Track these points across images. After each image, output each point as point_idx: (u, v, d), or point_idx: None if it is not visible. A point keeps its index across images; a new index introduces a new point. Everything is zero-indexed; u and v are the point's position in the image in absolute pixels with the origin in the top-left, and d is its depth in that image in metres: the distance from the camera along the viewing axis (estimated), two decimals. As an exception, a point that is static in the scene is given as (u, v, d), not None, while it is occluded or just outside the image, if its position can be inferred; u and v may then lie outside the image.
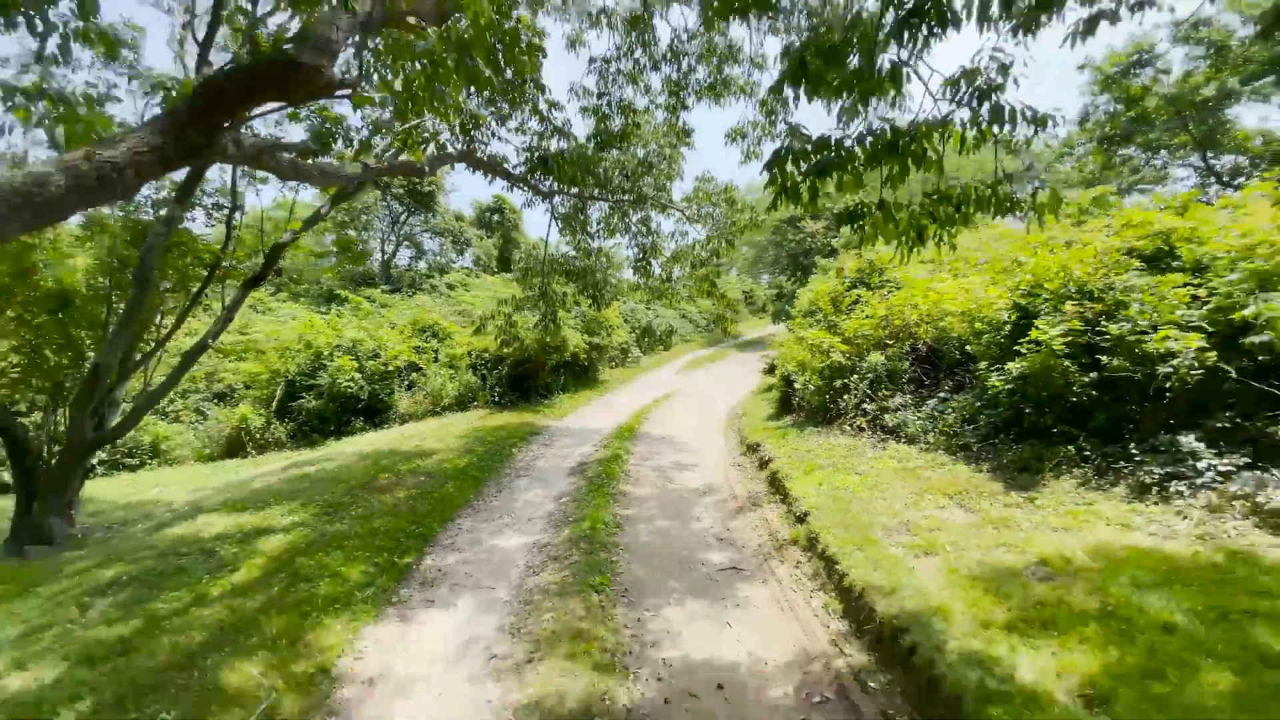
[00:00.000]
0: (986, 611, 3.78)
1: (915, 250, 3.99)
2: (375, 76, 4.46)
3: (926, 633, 3.69)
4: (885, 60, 3.52)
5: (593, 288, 12.54)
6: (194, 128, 3.31)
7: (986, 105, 3.34)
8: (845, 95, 3.71)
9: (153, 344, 8.61)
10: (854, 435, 8.89)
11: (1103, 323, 6.28)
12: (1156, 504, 5.13)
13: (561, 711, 3.54)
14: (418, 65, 3.80)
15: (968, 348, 8.21)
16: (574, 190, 9.92)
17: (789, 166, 3.75)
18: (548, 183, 9.40)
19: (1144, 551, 4.30)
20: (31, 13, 3.32)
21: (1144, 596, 3.68)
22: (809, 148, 3.72)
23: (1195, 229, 6.58)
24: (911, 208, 3.80)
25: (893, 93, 3.64)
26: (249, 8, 6.21)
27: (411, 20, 4.31)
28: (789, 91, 3.77)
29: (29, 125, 5.00)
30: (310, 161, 5.60)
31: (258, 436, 13.59)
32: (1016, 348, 6.80)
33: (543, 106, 7.46)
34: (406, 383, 15.46)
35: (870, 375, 9.38)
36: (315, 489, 8.11)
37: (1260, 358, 5.53)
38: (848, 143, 3.67)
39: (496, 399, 15.77)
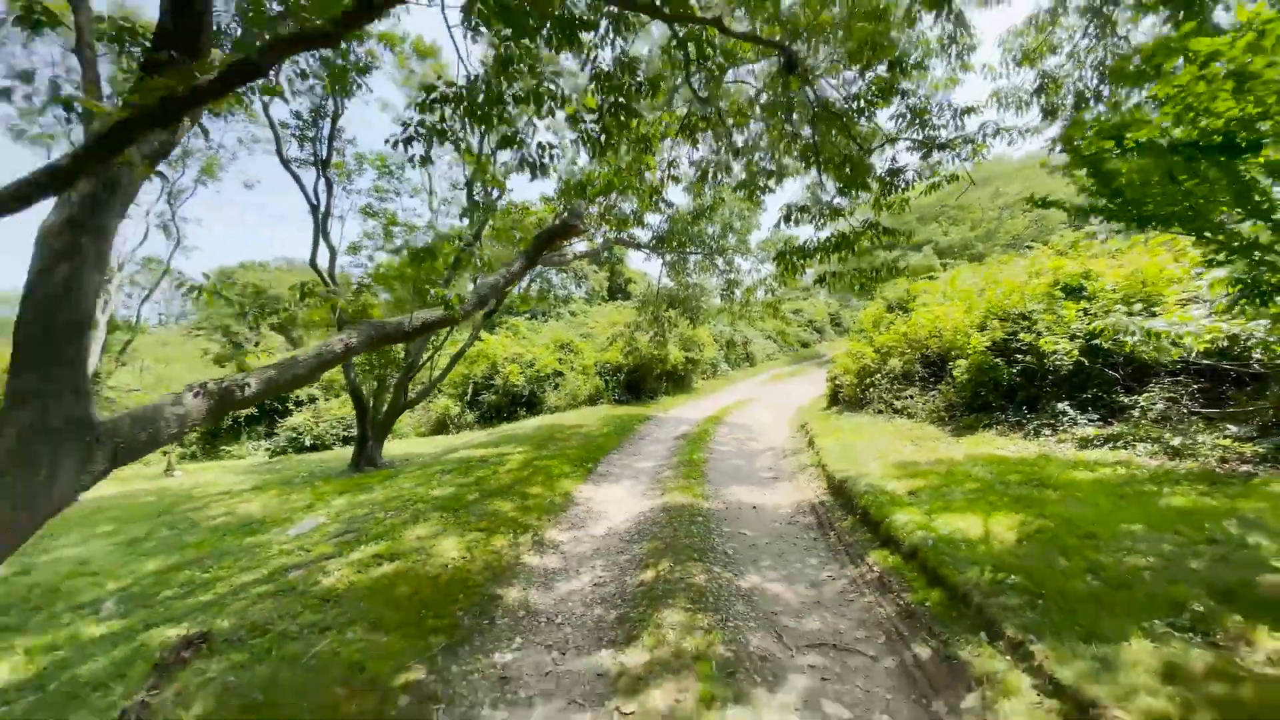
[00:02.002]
0: (890, 473, 7.31)
1: (869, 291, 7.61)
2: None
3: (854, 481, 7.28)
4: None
5: (690, 312, 16.60)
6: (535, 254, 7.63)
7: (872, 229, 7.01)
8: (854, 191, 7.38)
9: (431, 350, 13.61)
10: (873, 415, 12.23)
11: (1019, 334, 9.44)
12: (1027, 439, 8.33)
13: (678, 510, 7.45)
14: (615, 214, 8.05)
15: (952, 354, 11.38)
16: (678, 248, 14.06)
17: (789, 257, 7.55)
18: (662, 251, 13.57)
19: (997, 456, 7.61)
20: (477, 200, 7.82)
21: (972, 467, 7.07)
22: (796, 246, 7.50)
23: (1090, 270, 9.58)
24: (848, 273, 7.48)
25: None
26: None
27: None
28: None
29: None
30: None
31: (455, 420, 18.73)
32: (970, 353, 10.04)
33: (662, 206, 11.59)
34: (553, 384, 20.20)
35: (890, 374, 12.68)
36: (520, 440, 12.63)
37: (1112, 356, 8.53)
38: (813, 244, 7.42)
39: (616, 398, 20.13)
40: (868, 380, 13.18)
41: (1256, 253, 3.70)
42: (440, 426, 18.93)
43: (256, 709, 3.32)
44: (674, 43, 5.21)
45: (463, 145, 5.26)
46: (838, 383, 14.80)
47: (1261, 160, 2.99)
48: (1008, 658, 3.54)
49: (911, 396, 11.98)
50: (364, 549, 5.95)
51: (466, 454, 11.66)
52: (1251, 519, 4.51)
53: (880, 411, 12.27)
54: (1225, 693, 2.84)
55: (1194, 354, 7.04)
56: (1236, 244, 3.74)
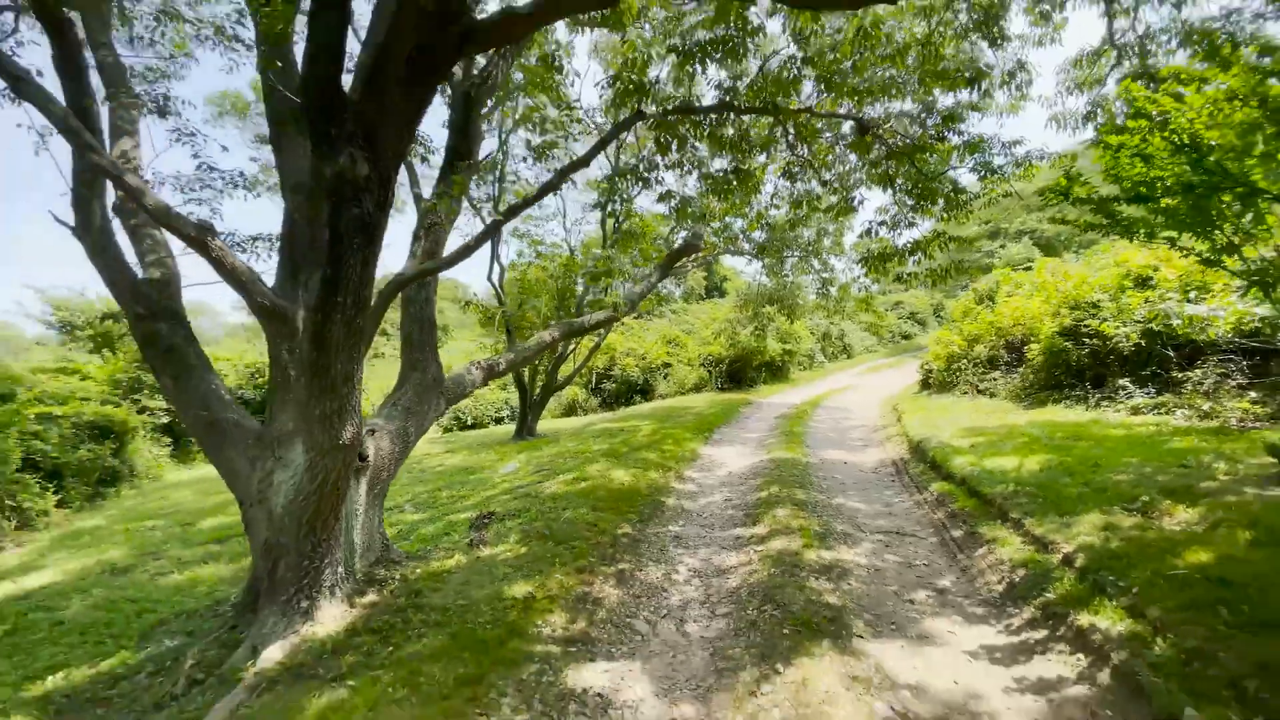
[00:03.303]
0: (958, 435, 8.92)
1: (938, 285, 9.23)
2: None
3: (928, 441, 8.97)
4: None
5: (787, 308, 18.35)
6: (668, 268, 9.96)
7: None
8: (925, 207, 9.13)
9: (573, 344, 16.48)
10: (959, 396, 13.51)
11: (1086, 321, 10.53)
12: (1089, 410, 9.55)
13: (782, 461, 9.46)
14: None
15: (1030, 340, 12.46)
16: (776, 252, 15.89)
17: (873, 261, 9.31)
18: (762, 256, 15.44)
19: (1053, 421, 8.99)
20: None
21: (1029, 429, 8.55)
22: (878, 252, 9.25)
23: (1160, 262, 10.46)
24: (922, 273, 9.13)
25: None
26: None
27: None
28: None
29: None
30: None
31: (582, 404, 21.71)
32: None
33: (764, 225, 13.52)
34: (663, 374, 22.65)
35: (976, 359, 13.86)
36: (644, 417, 15.11)
37: (1173, 338, 9.51)
38: (892, 249, 9.14)
39: (719, 386, 22.24)
40: (955, 365, 14.41)
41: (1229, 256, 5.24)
42: (570, 410, 21.94)
43: (544, 538, 5.83)
44: (776, 125, 7.25)
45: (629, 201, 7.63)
46: (928, 369, 16.02)
47: (1162, 205, 4.66)
48: (1009, 529, 5.36)
49: (995, 379, 13.15)
50: (561, 478, 8.53)
51: (604, 426, 14.28)
52: (1225, 454, 5.92)
53: (965, 393, 13.52)
54: (1135, 536, 4.56)
55: (1224, 334, 8.11)
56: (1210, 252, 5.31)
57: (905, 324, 41.28)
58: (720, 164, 8.50)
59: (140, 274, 5.10)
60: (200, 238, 4.15)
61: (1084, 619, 3.76)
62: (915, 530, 6.15)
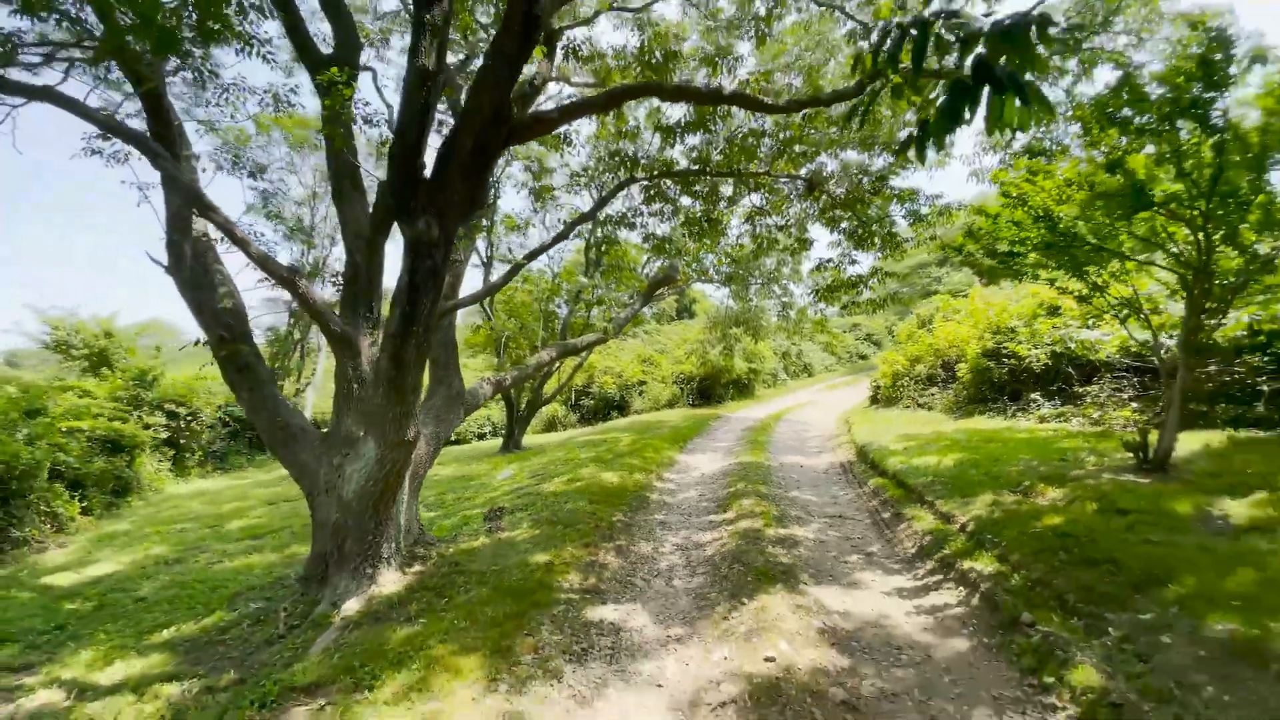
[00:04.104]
0: (896, 440, 10.34)
1: (877, 312, 10.72)
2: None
3: (870, 445, 10.37)
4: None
5: (752, 329, 19.85)
6: (649, 296, 11.24)
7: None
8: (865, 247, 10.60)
9: (558, 363, 17.55)
10: (902, 409, 15.06)
11: (1006, 344, 12.18)
12: (1006, 419, 11.11)
13: (747, 464, 10.73)
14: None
15: (960, 360, 14.11)
16: (742, 279, 17.39)
17: (821, 291, 10.75)
18: (730, 283, 16.91)
19: (973, 428, 10.49)
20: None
21: (953, 434, 10.01)
22: (826, 284, 10.71)
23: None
24: (863, 302, 10.61)
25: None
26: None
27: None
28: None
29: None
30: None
31: (562, 420, 22.70)
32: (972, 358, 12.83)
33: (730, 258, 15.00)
34: (638, 391, 23.86)
35: (917, 377, 15.48)
36: (622, 430, 16.24)
37: (1076, 359, 11.18)
38: (838, 282, 10.61)
39: (690, 402, 23.54)
40: (899, 383, 16.02)
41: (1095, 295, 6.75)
42: (551, 425, 22.91)
43: (552, 523, 6.91)
44: (740, 183, 8.66)
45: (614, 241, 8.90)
46: (877, 385, 17.63)
47: (1030, 259, 6.14)
48: (924, 509, 6.70)
49: (933, 394, 14.77)
50: (556, 480, 9.60)
51: (587, 439, 15.37)
52: (1098, 450, 7.41)
53: (908, 407, 15.10)
54: (1013, 509, 5.92)
55: (1113, 355, 9.77)
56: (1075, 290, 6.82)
57: (862, 345, 43.51)
58: (694, 206, 9.89)
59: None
60: (290, 278, 5.23)
61: (966, 564, 5.07)
62: (854, 514, 7.45)
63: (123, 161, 5.87)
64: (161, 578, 6.63)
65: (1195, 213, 5.62)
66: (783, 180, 8.93)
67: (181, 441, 15.17)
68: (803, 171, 9.16)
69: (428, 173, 4.79)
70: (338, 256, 22.22)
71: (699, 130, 6.97)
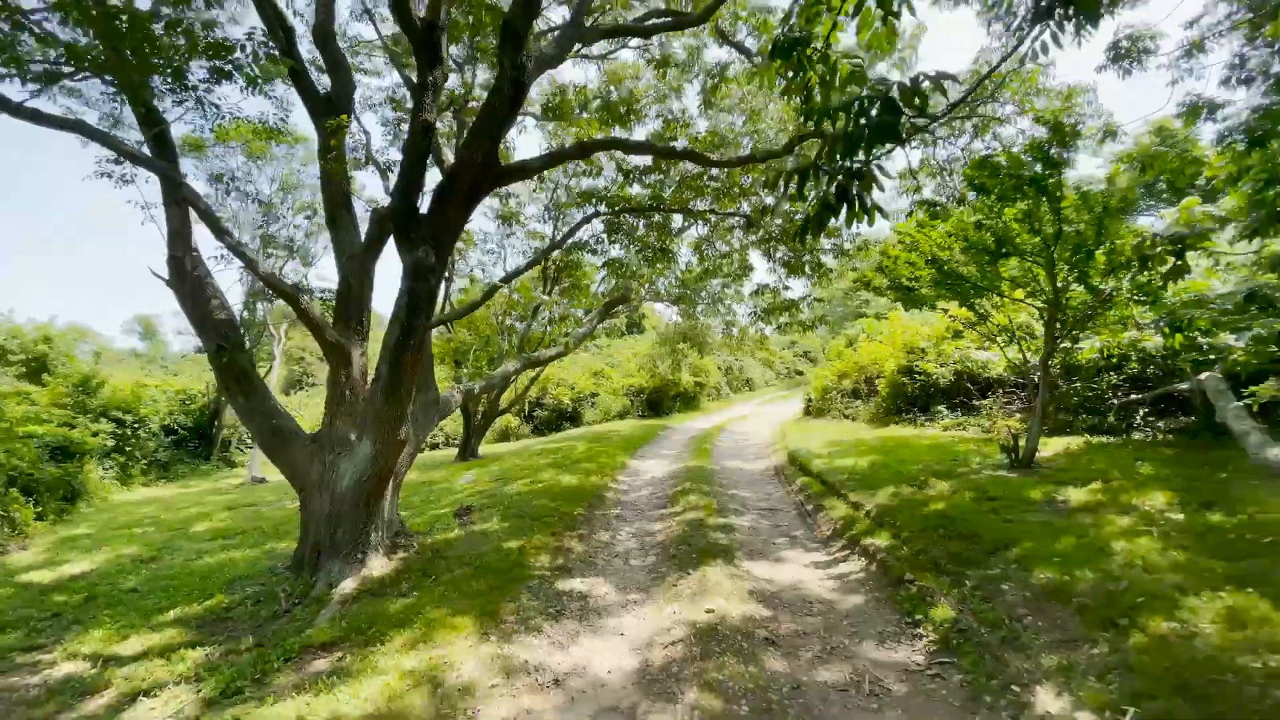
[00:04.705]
0: (821, 446, 11.57)
1: (809, 332, 11.98)
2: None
3: (799, 451, 11.56)
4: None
5: (698, 345, 20.99)
6: (605, 314, 12.08)
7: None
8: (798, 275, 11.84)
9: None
10: (830, 420, 16.48)
11: (918, 363, 13.74)
12: (916, 427, 12.57)
13: (693, 468, 11.70)
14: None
15: (880, 376, 15.67)
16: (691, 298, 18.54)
17: (758, 313, 11.92)
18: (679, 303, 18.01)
19: (887, 435, 11.86)
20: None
21: (870, 440, 11.32)
22: (764, 307, 11.89)
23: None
24: (794, 323, 11.87)
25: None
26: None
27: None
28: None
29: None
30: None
31: (515, 431, 23.12)
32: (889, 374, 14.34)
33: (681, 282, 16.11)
34: (590, 403, 24.58)
35: (843, 391, 16.97)
36: (577, 439, 16.94)
37: (975, 376, 12.79)
38: (776, 305, 11.82)
39: (640, 414, 24.46)
40: (828, 396, 17.48)
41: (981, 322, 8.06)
42: (504, 436, 23.28)
43: (520, 517, 7.61)
44: (689, 217, 9.73)
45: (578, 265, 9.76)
46: (809, 398, 19.09)
47: (922, 293, 7.41)
48: (840, 501, 7.82)
49: (857, 406, 16.25)
50: (518, 482, 10.25)
51: (542, 447, 16.01)
52: (983, 452, 8.77)
53: (835, 417, 16.54)
54: (909, 497, 7.09)
55: (1004, 373, 11.33)
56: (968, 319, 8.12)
57: (799, 361, 45.82)
58: (648, 234, 10.89)
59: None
60: (294, 294, 5.83)
61: (868, 541, 6.15)
62: (783, 507, 8.51)
63: (129, 182, 6.29)
64: (143, 572, 6.91)
65: (1044, 260, 7.01)
66: (725, 216, 10.06)
67: (127, 449, 14.81)
68: (744, 208, 10.33)
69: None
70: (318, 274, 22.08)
71: (655, 172, 7.97)
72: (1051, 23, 3.09)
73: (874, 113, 2.29)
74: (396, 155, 9.77)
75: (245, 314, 18.88)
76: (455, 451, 16.93)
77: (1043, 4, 3.19)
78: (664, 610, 4.94)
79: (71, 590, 6.38)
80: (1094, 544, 5.03)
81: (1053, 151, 6.23)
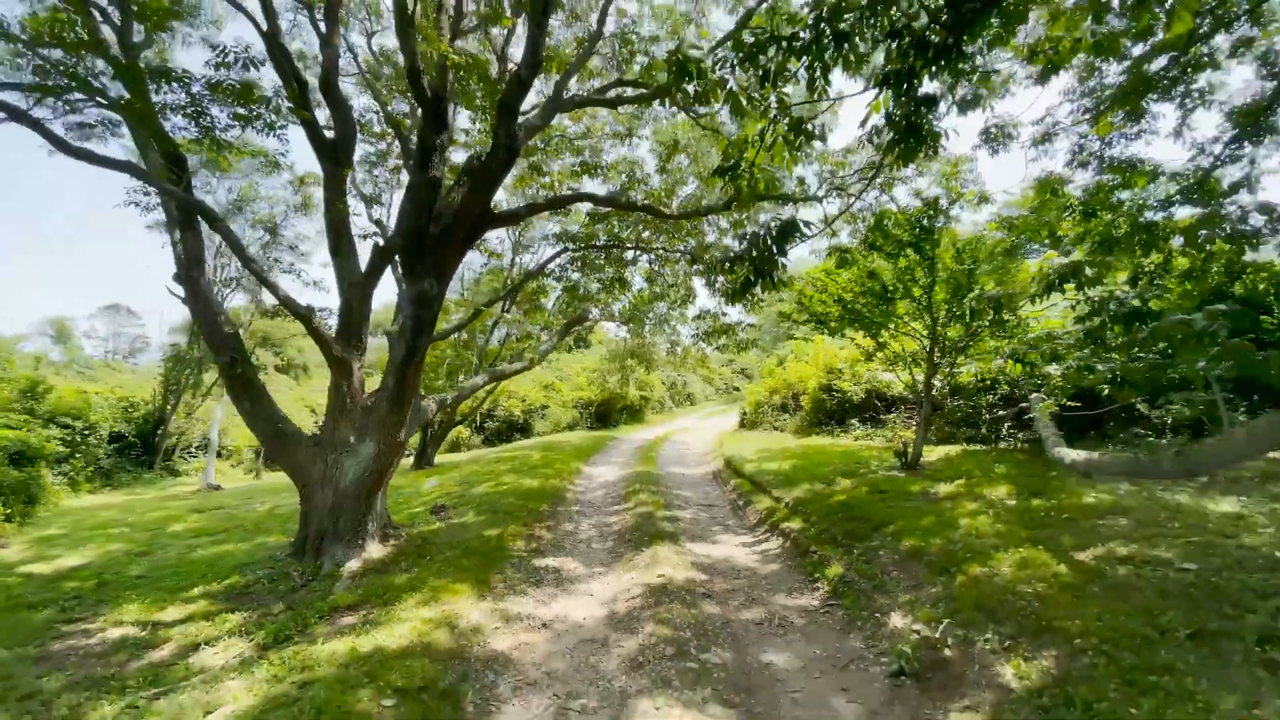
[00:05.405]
0: (753, 453, 13.06)
1: (742, 353, 13.50)
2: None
3: (734, 457, 13.00)
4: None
5: (645, 362, 22.37)
6: (565, 332, 13.18)
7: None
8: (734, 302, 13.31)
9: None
10: (762, 432, 18.13)
11: (835, 381, 15.56)
12: (833, 437, 14.30)
13: (641, 472, 12.90)
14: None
15: (804, 393, 17.46)
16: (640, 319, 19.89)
17: (700, 336, 13.35)
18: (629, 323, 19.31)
19: (809, 444, 13.49)
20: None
21: (795, 448, 12.90)
22: (705, 330, 13.33)
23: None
24: (730, 343, 13.38)
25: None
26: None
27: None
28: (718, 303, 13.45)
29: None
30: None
31: (466, 442, 23.60)
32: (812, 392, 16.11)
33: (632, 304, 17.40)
34: (541, 415, 25.40)
35: (773, 405, 18.69)
36: (530, 449, 17.82)
37: (878, 394, 14.68)
38: (716, 328, 13.28)
39: (589, 425, 25.48)
40: (760, 410, 19.16)
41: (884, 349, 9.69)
42: (454, 446, 23.71)
43: (493, 512, 8.56)
44: (641, 251, 11.07)
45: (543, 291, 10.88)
46: (744, 412, 20.74)
47: (834, 325, 8.99)
48: (766, 496, 9.22)
49: (784, 419, 17.98)
50: (483, 485, 11.13)
51: (497, 455, 16.80)
52: (882, 458, 10.43)
53: (766, 429, 18.20)
54: (820, 492, 8.57)
55: (903, 392, 13.16)
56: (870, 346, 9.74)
57: (736, 378, 48.08)
58: (604, 264, 12.15)
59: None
60: (307, 314, 6.69)
61: (785, 525, 7.54)
62: (719, 504, 9.85)
63: (152, 210, 6.95)
64: (143, 563, 7.42)
65: (923, 304, 8.73)
66: (675, 251, 11.45)
67: (76, 456, 14.56)
68: (691, 244, 11.77)
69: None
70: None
71: (616, 216, 9.22)
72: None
73: (775, 232, 3.62)
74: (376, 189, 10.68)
75: (190, 348, 18.75)
76: (411, 460, 17.42)
77: (892, 139, 4.66)
78: (623, 577, 6.09)
79: (80, 578, 6.85)
80: (947, 521, 6.57)
81: (924, 222, 7.93)
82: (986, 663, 3.96)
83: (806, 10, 3.53)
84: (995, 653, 4.01)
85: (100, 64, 6.81)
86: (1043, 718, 3.34)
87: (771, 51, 3.32)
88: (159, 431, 19.10)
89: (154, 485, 17.78)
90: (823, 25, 3.32)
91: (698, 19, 10.18)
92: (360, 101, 11.15)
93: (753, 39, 3.27)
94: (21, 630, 5.30)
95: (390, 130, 9.72)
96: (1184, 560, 4.82)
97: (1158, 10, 4.64)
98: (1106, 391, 5.81)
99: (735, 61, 3.50)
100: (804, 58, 3.41)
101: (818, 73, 3.49)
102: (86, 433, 14.97)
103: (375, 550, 6.79)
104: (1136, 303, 4.47)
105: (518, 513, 8.52)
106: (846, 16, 3.22)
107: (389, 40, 10.62)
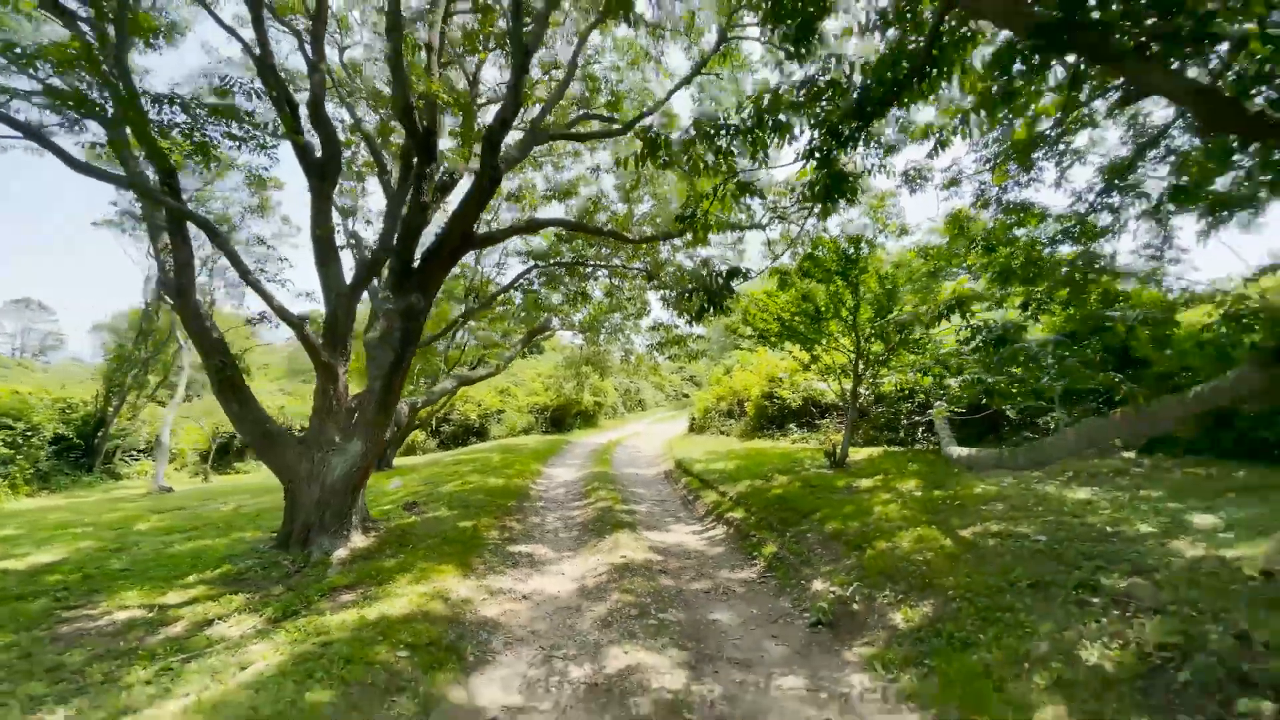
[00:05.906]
0: (701, 455, 14.07)
1: (693, 362, 14.52)
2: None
3: (684, 459, 13.98)
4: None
5: (600, 369, 23.16)
6: (528, 341, 13.81)
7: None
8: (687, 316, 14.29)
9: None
10: (709, 436, 19.24)
11: (776, 389, 16.84)
12: (774, 441, 15.52)
13: (597, 473, 13.67)
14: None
15: (748, 400, 18.71)
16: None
17: (654, 346, 14.29)
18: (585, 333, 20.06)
19: (751, 447, 14.63)
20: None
21: (739, 450, 14.00)
22: (659, 341, 14.28)
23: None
24: (683, 353, 14.39)
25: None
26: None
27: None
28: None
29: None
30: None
31: (421, 445, 23.66)
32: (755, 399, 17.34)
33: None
34: (497, 419, 25.70)
35: (720, 411, 19.86)
36: (489, 451, 18.24)
37: (814, 401, 16.02)
38: (668, 339, 14.26)
39: (544, 430, 25.99)
40: (708, 415, 20.30)
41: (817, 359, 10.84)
42: (410, 450, 23.72)
43: (465, 507, 9.14)
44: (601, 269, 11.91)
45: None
46: (693, 417, 21.84)
47: (772, 341, 10.09)
48: (713, 491, 10.19)
49: (730, 424, 19.16)
50: (450, 485, 11.62)
51: (456, 458, 17.17)
52: (815, 458, 11.62)
53: (713, 433, 19.33)
54: (759, 487, 9.60)
55: (835, 400, 14.51)
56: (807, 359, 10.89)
57: (686, 385, 49.50)
58: (567, 278, 12.92)
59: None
60: (298, 323, 7.17)
61: (730, 515, 8.51)
62: (671, 499, 10.76)
63: (145, 220, 7.24)
64: (123, 558, 7.60)
65: (850, 323, 9.96)
66: (633, 268, 12.35)
67: (20, 458, 14.01)
68: (648, 262, 12.70)
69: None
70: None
71: (582, 237, 10.02)
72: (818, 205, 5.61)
73: (724, 274, 4.56)
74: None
75: (144, 324, 18.28)
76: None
77: (813, 193, 5.69)
78: (589, 560, 6.88)
79: (62, 572, 7.00)
80: (864, 509, 7.69)
81: (851, 253, 9.14)
82: (883, 612, 5.00)
83: (747, 100, 4.48)
84: (890, 605, 5.05)
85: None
86: (918, 645, 4.38)
87: (724, 134, 4.25)
88: (99, 433, 18.37)
89: (95, 488, 17.12)
90: (764, 115, 4.28)
91: (658, 55, 11.17)
92: (330, 109, 11.53)
93: (710, 127, 4.19)
94: (21, 618, 5.57)
95: (356, 139, 10.15)
96: (1038, 534, 6.04)
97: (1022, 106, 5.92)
98: (984, 400, 7.06)
99: (696, 138, 4.41)
100: (748, 137, 4.37)
101: (758, 149, 4.45)
102: (29, 434, 14.41)
103: (359, 541, 7.30)
104: (1000, 331, 5.66)
105: (488, 507, 9.15)
106: (780, 113, 4.19)
107: (358, 53, 11.09)
